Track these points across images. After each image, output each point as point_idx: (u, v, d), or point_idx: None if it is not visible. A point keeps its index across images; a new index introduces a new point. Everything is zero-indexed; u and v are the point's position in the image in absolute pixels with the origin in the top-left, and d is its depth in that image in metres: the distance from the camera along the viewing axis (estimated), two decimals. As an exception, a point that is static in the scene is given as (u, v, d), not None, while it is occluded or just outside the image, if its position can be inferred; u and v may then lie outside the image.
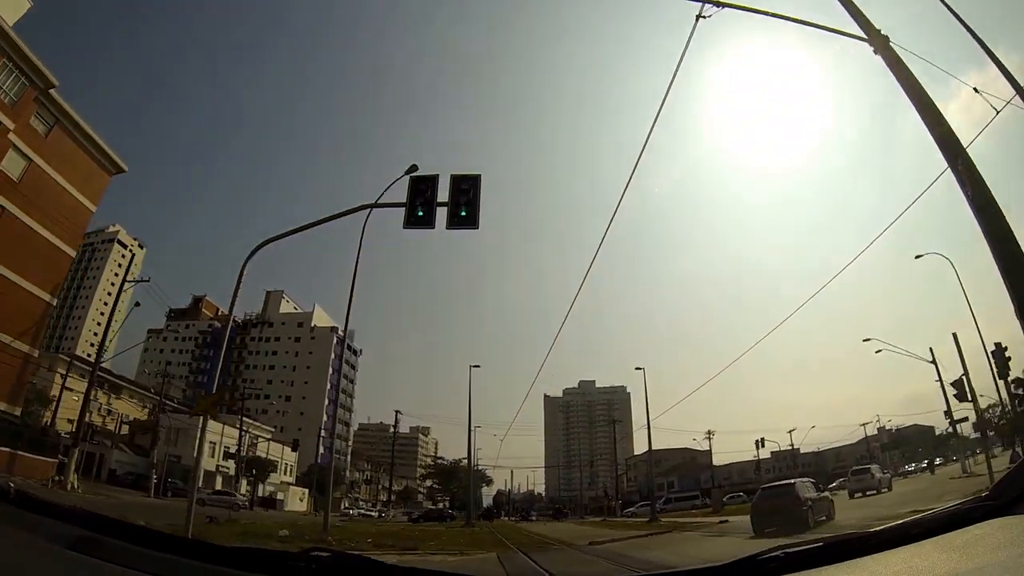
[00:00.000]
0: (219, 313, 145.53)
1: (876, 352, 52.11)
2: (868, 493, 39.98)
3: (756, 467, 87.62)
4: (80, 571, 1.99)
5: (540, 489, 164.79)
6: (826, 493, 29.22)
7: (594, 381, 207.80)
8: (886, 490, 41.00)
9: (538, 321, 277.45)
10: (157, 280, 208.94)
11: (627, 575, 12.62)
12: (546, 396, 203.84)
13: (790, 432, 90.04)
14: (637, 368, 54.94)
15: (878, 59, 11.63)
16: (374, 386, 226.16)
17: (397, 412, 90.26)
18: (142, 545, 2.20)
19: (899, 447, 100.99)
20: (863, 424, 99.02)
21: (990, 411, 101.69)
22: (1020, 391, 51.27)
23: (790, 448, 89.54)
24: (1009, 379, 44.27)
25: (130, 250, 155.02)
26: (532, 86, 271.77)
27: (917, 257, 52.41)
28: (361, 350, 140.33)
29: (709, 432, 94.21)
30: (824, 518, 23.19)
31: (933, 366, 50.99)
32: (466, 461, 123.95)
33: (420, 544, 21.65)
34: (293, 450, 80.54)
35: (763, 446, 78.67)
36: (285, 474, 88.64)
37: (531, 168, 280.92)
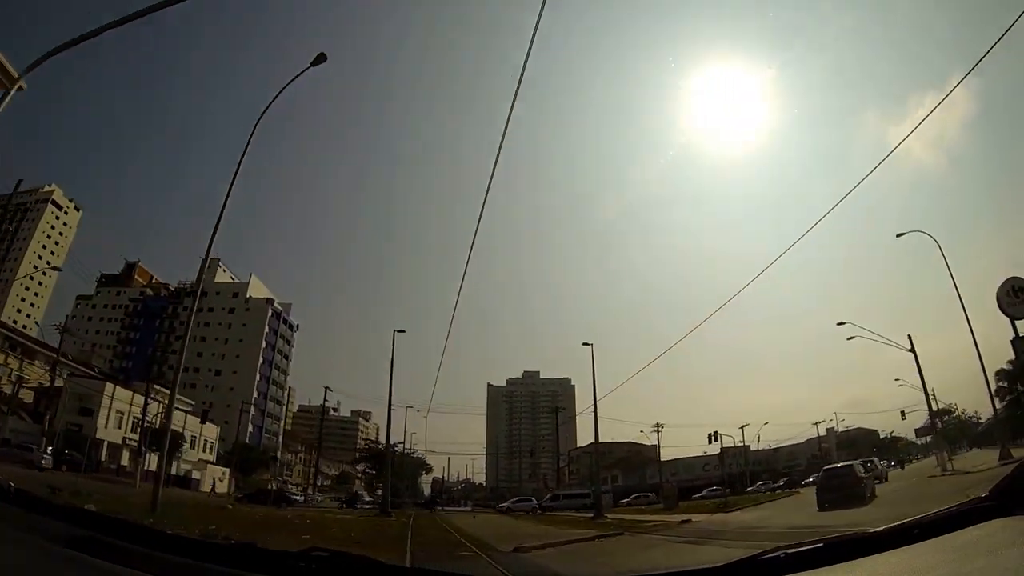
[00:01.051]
0: (153, 281, 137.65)
1: (848, 339, 49.09)
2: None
3: (721, 459, 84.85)
4: (80, 571, 1.99)
5: (481, 479, 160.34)
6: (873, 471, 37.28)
7: (539, 372, 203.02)
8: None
9: (491, 308, 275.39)
10: (95, 245, 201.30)
11: (628, 574, 11.57)
12: (490, 385, 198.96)
13: (742, 428, 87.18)
14: (585, 343, 49.57)
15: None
16: (320, 368, 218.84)
17: (326, 388, 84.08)
18: (142, 545, 2.20)
19: (848, 448, 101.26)
20: (815, 423, 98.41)
21: (945, 416, 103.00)
22: (1004, 383, 48.54)
23: (742, 444, 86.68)
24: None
25: (65, 211, 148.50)
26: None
27: (899, 235, 49.51)
28: (298, 325, 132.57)
29: (657, 425, 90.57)
30: (871, 495, 27.27)
31: (912, 354, 47.80)
32: (404, 446, 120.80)
33: (270, 535, 16.69)
34: (202, 421, 73.55)
35: (717, 439, 75.40)
36: (204, 451, 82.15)
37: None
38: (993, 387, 48.53)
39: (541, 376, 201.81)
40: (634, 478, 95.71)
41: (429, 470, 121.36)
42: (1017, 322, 48.01)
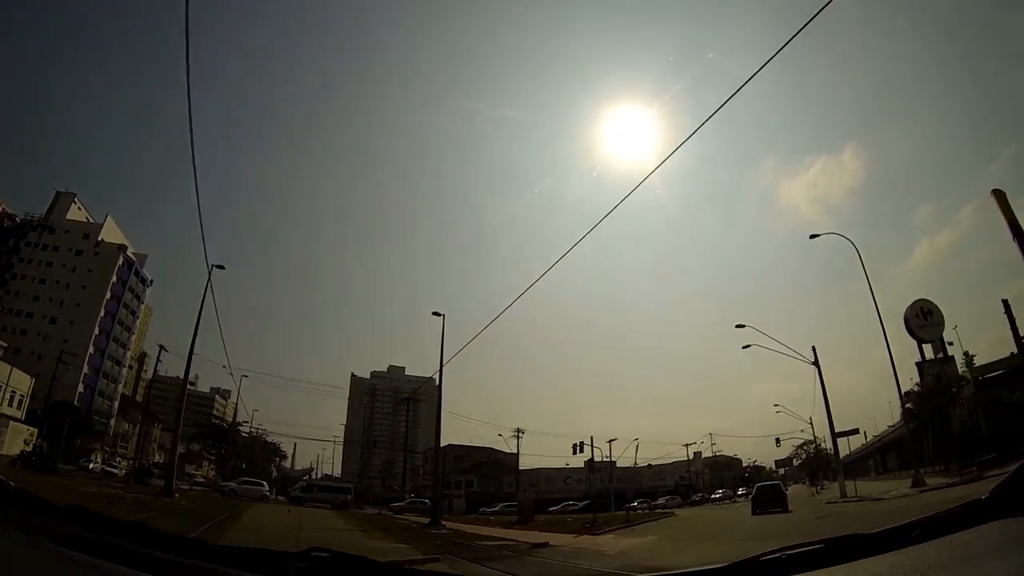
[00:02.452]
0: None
1: (744, 348, 42.57)
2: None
3: (608, 468, 78.45)
4: (79, 570, 1.98)
5: (328, 470, 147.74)
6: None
7: (404, 368, 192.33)
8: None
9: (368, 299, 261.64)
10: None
11: (628, 575, 11.71)
12: (353, 375, 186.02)
13: (610, 442, 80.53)
14: (435, 313, 40.52)
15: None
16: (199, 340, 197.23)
17: (160, 347, 70.02)
18: (141, 544, 2.19)
19: (715, 472, 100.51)
20: (686, 444, 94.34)
21: (804, 447, 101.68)
22: (910, 406, 43.74)
23: (608, 459, 79.90)
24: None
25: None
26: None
27: (812, 237, 44.35)
28: (152, 280, 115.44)
29: (518, 431, 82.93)
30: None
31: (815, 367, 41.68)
32: (252, 427, 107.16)
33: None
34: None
35: (581, 451, 68.82)
36: (9, 405, 68.74)
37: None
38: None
39: (406, 372, 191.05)
40: (491, 485, 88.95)
41: (283, 457, 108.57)
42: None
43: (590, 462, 42.31)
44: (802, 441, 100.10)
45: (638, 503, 67.28)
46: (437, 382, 40.66)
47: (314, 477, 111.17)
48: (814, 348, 43.58)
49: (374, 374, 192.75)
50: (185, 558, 2.16)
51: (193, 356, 36.87)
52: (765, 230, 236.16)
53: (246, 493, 48.56)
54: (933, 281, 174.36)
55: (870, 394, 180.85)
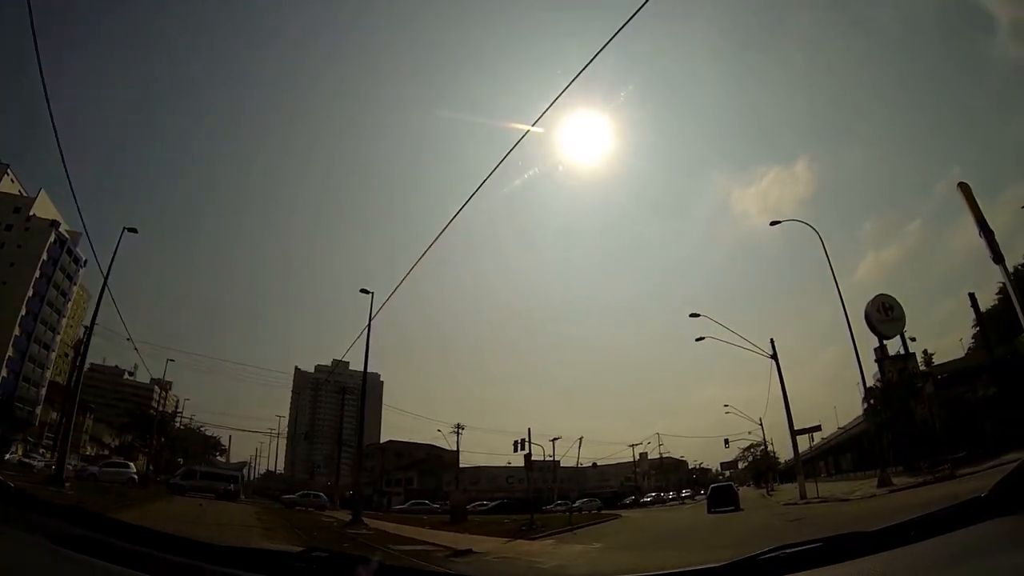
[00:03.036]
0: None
1: (697, 340, 39.29)
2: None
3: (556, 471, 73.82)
4: (80, 571, 1.97)
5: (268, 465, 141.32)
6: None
7: (348, 363, 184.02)
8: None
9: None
10: None
11: (629, 575, 9.97)
12: (297, 369, 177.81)
13: (553, 441, 76.91)
14: (363, 291, 35.83)
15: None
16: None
17: (86, 328, 62.74)
18: (142, 545, 2.17)
19: (661, 474, 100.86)
20: (632, 445, 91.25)
21: (751, 449, 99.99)
22: (871, 402, 41.06)
23: (551, 459, 76.76)
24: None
25: None
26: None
27: (773, 224, 41.51)
28: (86, 260, 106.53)
29: (458, 427, 78.92)
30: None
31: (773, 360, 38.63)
32: (181, 414, 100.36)
33: None
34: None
35: (523, 448, 65.20)
36: None
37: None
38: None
39: (351, 367, 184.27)
40: (432, 482, 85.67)
41: (222, 451, 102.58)
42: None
43: (528, 457, 38.41)
44: (749, 444, 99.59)
45: (584, 502, 64.38)
46: (364, 368, 36.30)
47: (255, 473, 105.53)
48: (772, 341, 40.81)
49: (318, 368, 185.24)
50: (185, 558, 2.12)
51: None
52: (717, 237, 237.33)
53: (107, 478, 40.57)
54: (878, 291, 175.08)
55: (816, 400, 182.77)
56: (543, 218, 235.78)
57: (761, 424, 69.19)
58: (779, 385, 38.99)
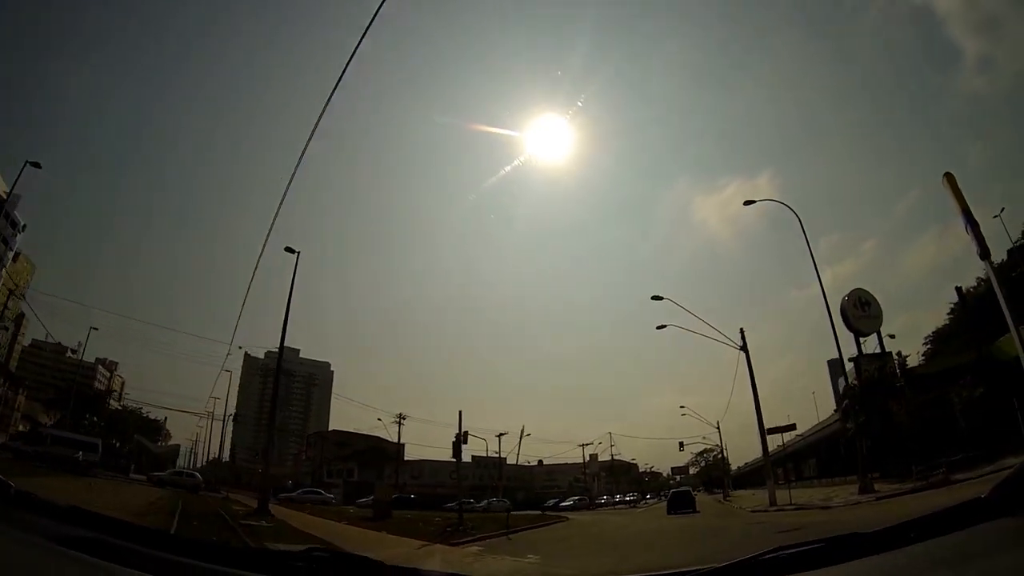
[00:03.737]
0: None
1: (659, 328, 35.21)
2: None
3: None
4: (80, 571, 1.94)
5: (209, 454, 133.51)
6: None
7: (299, 350, 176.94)
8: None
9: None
10: None
11: (629, 575, 11.40)
12: (247, 355, 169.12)
13: (499, 436, 71.88)
14: (288, 249, 30.74)
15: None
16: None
17: (10, 293, 56.42)
18: (142, 545, 2.15)
19: (610, 476, 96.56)
20: (582, 444, 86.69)
21: (704, 455, 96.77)
22: (848, 401, 37.15)
23: (496, 455, 71.86)
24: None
25: None
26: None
27: (747, 203, 37.58)
28: (25, 225, 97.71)
29: (400, 416, 73.51)
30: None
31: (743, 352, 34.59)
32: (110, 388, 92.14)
33: None
34: None
35: (465, 442, 60.31)
36: None
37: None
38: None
39: (301, 355, 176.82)
40: (372, 474, 79.65)
41: (163, 435, 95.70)
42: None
43: (456, 446, 32.91)
44: (703, 448, 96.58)
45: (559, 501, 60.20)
46: (280, 341, 30.98)
47: (200, 460, 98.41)
48: (742, 331, 36.67)
49: (268, 354, 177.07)
50: (185, 558, 2.10)
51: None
52: (676, 243, 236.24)
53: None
54: (833, 305, 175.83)
55: (770, 409, 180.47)
56: (512, 219, 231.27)
57: (719, 428, 65.35)
58: (748, 379, 34.93)
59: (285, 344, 29.93)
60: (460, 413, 32.37)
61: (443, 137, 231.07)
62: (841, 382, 52.14)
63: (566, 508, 63.42)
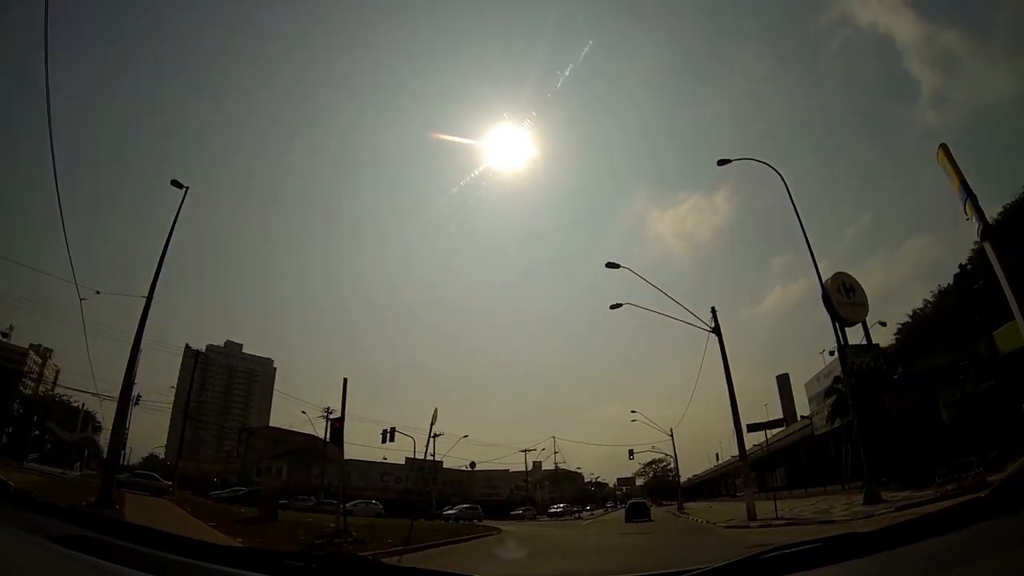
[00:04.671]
0: None
1: (613, 307, 29.93)
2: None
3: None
4: (80, 571, 1.90)
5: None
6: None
7: (242, 345, 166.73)
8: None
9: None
10: None
11: (628, 575, 11.72)
12: (188, 346, 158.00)
13: (432, 436, 64.80)
14: (174, 183, 24.10)
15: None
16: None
17: None
18: (142, 545, 2.11)
19: (555, 485, 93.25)
20: (524, 450, 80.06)
21: (653, 465, 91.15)
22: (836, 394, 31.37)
23: (432, 458, 67.78)
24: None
25: None
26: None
27: (721, 163, 32.30)
28: None
29: (326, 411, 66.02)
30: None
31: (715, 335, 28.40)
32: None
33: None
34: None
35: (391, 439, 54.45)
36: None
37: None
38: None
39: (244, 350, 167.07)
40: (301, 473, 74.03)
41: (98, 428, 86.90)
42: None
43: (335, 431, 25.37)
44: (651, 459, 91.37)
45: (462, 508, 53.56)
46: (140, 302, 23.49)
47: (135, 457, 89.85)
48: (714, 310, 30.71)
49: (210, 348, 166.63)
50: (185, 558, 2.05)
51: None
52: (631, 257, 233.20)
53: None
54: (782, 324, 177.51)
55: (719, 421, 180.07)
56: (474, 229, 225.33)
57: (672, 436, 59.20)
58: (722, 367, 28.63)
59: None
60: (345, 381, 25.14)
61: (402, 141, 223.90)
62: (813, 385, 46.91)
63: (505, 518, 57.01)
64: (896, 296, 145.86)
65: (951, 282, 36.65)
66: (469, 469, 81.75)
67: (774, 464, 62.53)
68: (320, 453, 75.80)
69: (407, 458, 75.69)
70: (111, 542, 2.04)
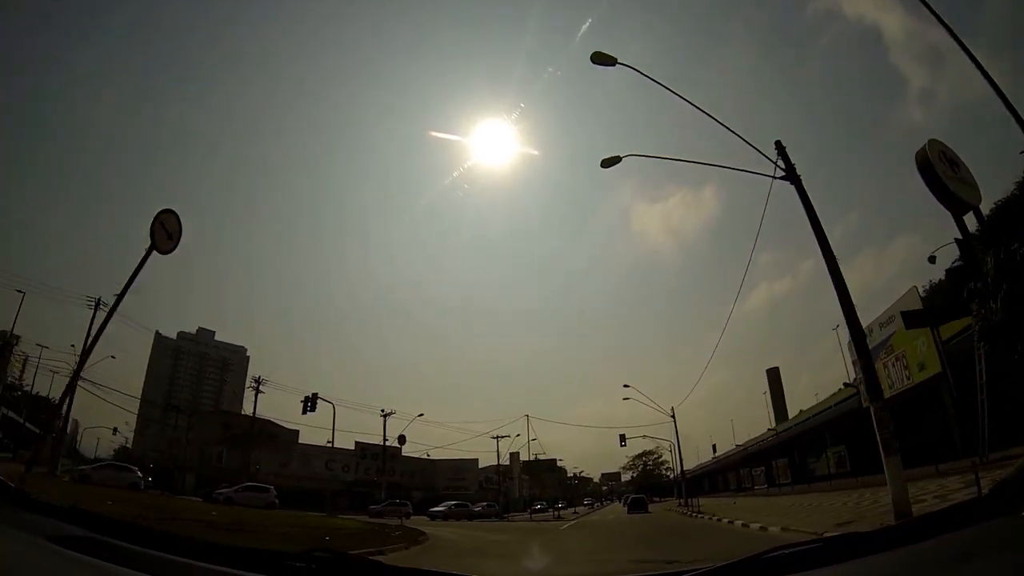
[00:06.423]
0: None
1: (606, 162, 17.44)
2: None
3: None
4: (80, 571, 1.83)
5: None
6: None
7: (214, 332, 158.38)
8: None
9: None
10: None
11: (628, 575, 11.29)
12: (158, 333, 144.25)
13: (384, 415, 56.00)
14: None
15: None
16: None
17: None
18: (142, 545, 2.05)
19: (533, 473, 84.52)
20: (496, 437, 68.16)
21: (643, 457, 79.22)
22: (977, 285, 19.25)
23: (396, 446, 59.51)
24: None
25: None
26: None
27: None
28: None
29: (257, 380, 56.44)
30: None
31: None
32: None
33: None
34: None
35: (312, 409, 46.91)
36: None
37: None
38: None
39: (216, 337, 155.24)
40: (238, 458, 65.65)
41: (59, 416, 73.93)
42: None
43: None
44: (641, 451, 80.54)
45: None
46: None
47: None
48: (779, 144, 19.01)
49: (181, 335, 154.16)
50: (185, 558, 1.99)
51: None
52: (614, 255, 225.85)
53: None
54: (766, 321, 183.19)
55: (706, 420, 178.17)
56: (457, 227, 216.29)
57: (673, 416, 46.55)
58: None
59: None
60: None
61: (389, 137, 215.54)
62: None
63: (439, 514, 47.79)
64: (880, 296, 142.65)
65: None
66: (434, 458, 69.51)
67: (811, 447, 48.49)
68: (262, 438, 64.94)
69: (357, 442, 63.17)
70: (111, 542, 1.96)
